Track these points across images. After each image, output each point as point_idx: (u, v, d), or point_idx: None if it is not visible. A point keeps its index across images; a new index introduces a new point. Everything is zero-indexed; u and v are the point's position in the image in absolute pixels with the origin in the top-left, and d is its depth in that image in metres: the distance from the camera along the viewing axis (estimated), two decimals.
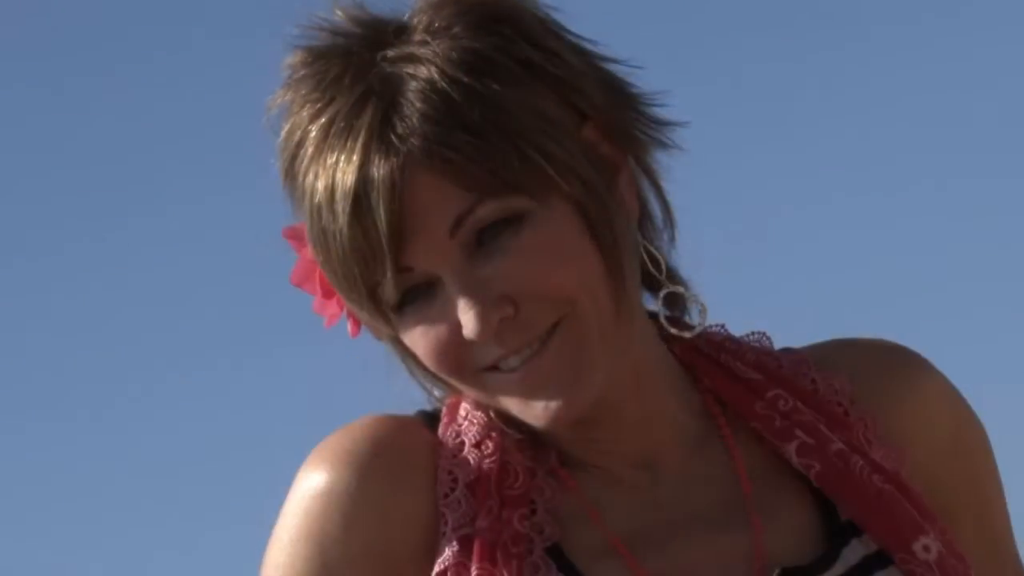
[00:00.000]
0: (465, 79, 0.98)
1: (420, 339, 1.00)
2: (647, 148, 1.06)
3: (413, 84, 0.98)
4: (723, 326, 1.11)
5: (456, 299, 0.97)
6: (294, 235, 1.04)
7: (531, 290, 0.98)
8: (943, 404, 1.15)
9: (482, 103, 0.98)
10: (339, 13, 1.02)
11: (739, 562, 1.05)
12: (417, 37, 1.00)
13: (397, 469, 1.05)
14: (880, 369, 1.13)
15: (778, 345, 1.12)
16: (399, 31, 1.01)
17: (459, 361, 1.00)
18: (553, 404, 0.99)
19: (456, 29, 1.00)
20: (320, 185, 0.98)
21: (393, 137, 0.97)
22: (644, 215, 1.07)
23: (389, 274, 0.98)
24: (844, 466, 1.06)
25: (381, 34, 1.01)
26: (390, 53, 1.00)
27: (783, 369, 1.11)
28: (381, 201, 0.97)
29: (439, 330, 0.99)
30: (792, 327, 1.15)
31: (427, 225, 0.97)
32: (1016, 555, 1.16)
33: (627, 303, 1.00)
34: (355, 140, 0.98)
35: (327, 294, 1.06)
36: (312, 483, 1.04)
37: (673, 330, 1.05)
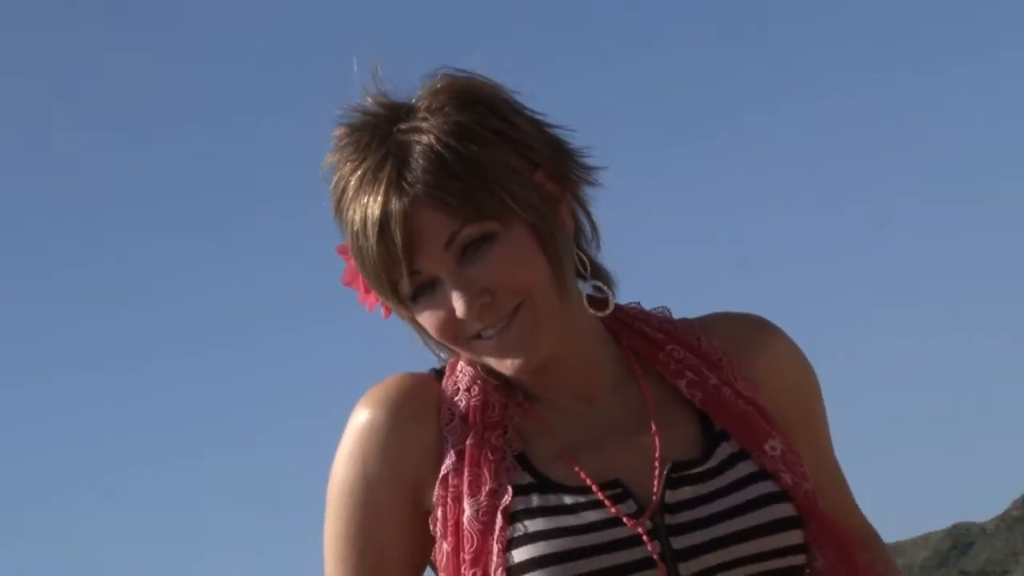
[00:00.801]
0: (453, 143, 1.22)
1: (428, 319, 1.26)
2: (579, 185, 1.31)
3: (418, 148, 1.22)
4: (639, 303, 1.39)
5: (450, 292, 1.23)
6: (343, 251, 1.30)
7: (501, 285, 1.23)
8: (790, 360, 1.41)
9: (464, 160, 1.21)
10: (368, 100, 1.27)
11: (645, 460, 1.28)
12: (420, 115, 1.24)
13: (415, 409, 1.30)
14: (745, 332, 1.39)
15: (677, 315, 1.40)
16: (408, 110, 1.25)
17: (454, 333, 1.26)
18: (518, 361, 1.25)
19: (447, 109, 1.24)
20: (357, 218, 1.23)
21: (404, 184, 1.21)
22: (578, 230, 1.31)
23: (404, 276, 1.23)
24: (717, 394, 1.32)
25: (396, 113, 1.26)
26: (402, 126, 1.24)
27: (678, 331, 1.37)
28: (397, 228, 1.21)
29: (440, 313, 1.25)
30: (688, 303, 1.44)
31: (428, 243, 1.22)
32: (836, 463, 1.44)
33: (567, 292, 1.26)
34: (379, 187, 1.22)
35: (367, 290, 1.32)
36: (358, 420, 1.30)
37: (591, 310, 1.31)
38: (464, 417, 1.30)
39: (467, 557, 1.24)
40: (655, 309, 1.40)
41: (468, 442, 1.29)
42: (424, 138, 1.23)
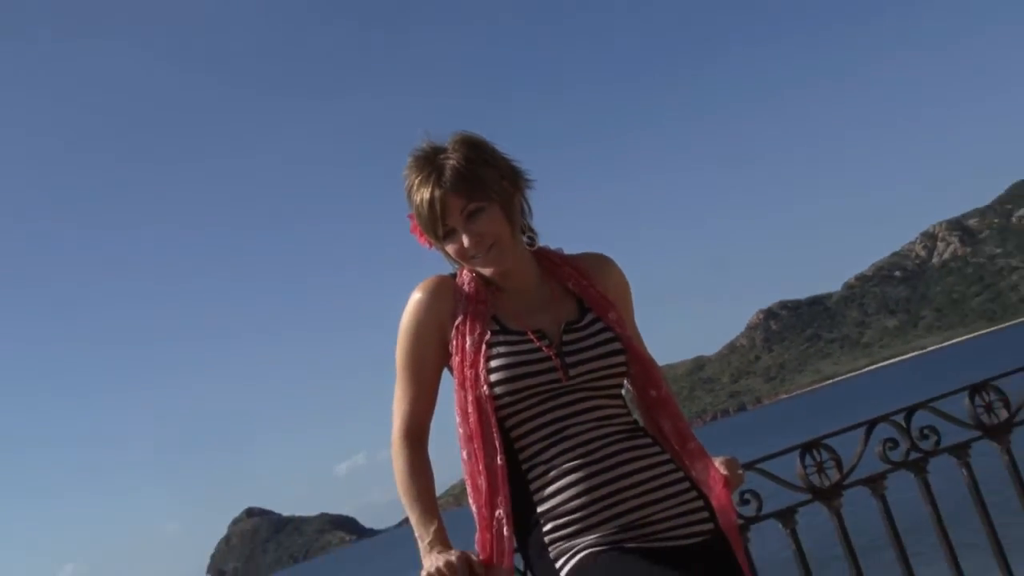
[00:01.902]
0: (464, 164, 2.17)
1: (451, 249, 2.24)
2: (523, 188, 2.30)
3: (447, 166, 2.18)
4: (547, 245, 2.40)
5: (462, 236, 2.20)
6: (411, 216, 2.29)
7: (486, 233, 2.19)
8: (620, 276, 2.40)
9: (470, 172, 2.16)
10: (424, 144, 2.24)
11: (554, 320, 2.21)
12: (449, 151, 2.21)
13: (442, 291, 2.24)
14: (600, 262, 2.39)
15: (568, 252, 2.43)
16: (443, 149, 2.22)
17: (463, 255, 2.23)
18: (493, 269, 2.22)
19: (462, 149, 2.21)
20: (418, 199, 2.20)
21: (441, 182, 2.17)
22: (522, 210, 2.30)
23: (440, 227, 2.21)
24: (587, 290, 2.32)
25: (436, 150, 2.23)
26: (440, 156, 2.21)
27: (567, 259, 2.37)
28: (437, 204, 2.17)
29: (457, 246, 2.22)
30: (574, 246, 2.55)
31: (452, 212, 2.17)
32: (637, 328, 2.41)
33: (517, 238, 2.26)
34: (429, 184, 2.18)
35: (422, 235, 2.29)
36: (413, 298, 2.26)
37: (528, 248, 2.26)
38: (467, 296, 2.23)
39: (467, 363, 2.17)
40: (556, 248, 2.44)
41: (469, 309, 2.22)
42: (450, 162, 2.21)
